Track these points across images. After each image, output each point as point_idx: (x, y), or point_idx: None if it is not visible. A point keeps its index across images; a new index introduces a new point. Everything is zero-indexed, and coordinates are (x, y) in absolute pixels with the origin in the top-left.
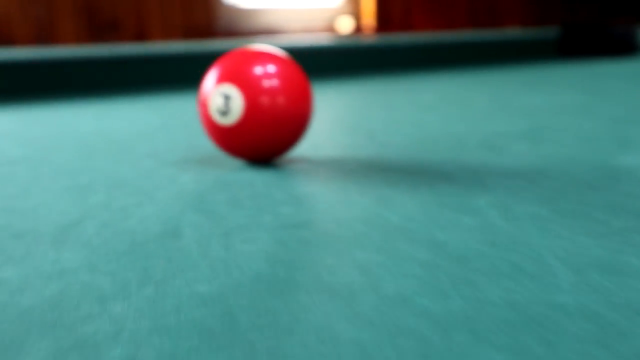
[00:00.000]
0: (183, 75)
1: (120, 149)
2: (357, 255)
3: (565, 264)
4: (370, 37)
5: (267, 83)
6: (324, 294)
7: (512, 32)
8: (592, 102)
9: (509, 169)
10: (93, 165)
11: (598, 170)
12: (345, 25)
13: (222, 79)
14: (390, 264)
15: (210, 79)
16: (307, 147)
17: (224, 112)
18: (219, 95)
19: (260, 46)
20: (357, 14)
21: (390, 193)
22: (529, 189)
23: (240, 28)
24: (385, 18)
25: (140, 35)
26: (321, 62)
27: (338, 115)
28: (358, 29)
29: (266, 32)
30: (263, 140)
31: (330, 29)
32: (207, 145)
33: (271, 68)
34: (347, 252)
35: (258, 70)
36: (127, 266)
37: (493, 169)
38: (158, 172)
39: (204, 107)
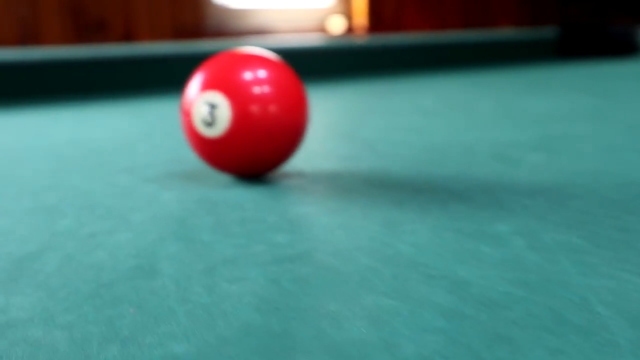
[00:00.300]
0: (170, 77)
1: (96, 161)
2: (365, 299)
3: (618, 312)
4: (362, 37)
5: (257, 90)
6: (327, 356)
7: (509, 32)
8: (603, 106)
9: (527, 185)
10: (63, 182)
11: (628, 187)
12: (337, 25)
13: (207, 85)
14: (406, 312)
15: (194, 85)
16: (300, 159)
17: (210, 123)
18: (204, 103)
19: (250, 49)
20: (348, 14)
21: (397, 216)
22: (554, 211)
23: (230, 28)
24: (377, 18)
25: (128, 36)
26: (313, 64)
27: (332, 122)
28: (350, 29)
29: (256, 33)
30: (253, 154)
31: (322, 29)
32: (193, 158)
33: (262, 73)
34: (353, 294)
35: (247, 75)
36: (89, 316)
37: (509, 185)
38: (136, 190)
39: (187, 116)
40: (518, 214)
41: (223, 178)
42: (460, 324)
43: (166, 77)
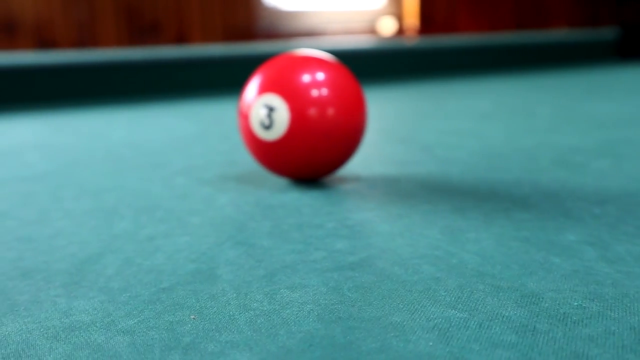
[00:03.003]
0: (223, 79)
1: (153, 163)
2: (430, 310)
3: None
4: (413, 39)
5: (315, 92)
6: None
7: (565, 33)
8: None
9: (594, 192)
10: (121, 183)
11: None
12: (388, 26)
13: (265, 88)
14: (474, 324)
15: (252, 88)
16: (356, 163)
17: (267, 126)
18: (262, 106)
19: (307, 51)
20: (399, 15)
21: (459, 223)
22: (625, 220)
23: (281, 30)
24: (428, 19)
25: (181, 38)
26: (364, 65)
27: (387, 125)
28: (400, 31)
29: (307, 34)
30: (310, 157)
31: (372, 30)
32: (248, 160)
33: (320, 75)
34: (418, 305)
35: (306, 78)
36: (150, 321)
37: (575, 192)
38: (193, 192)
39: (244, 119)
40: (587, 223)
41: (279, 181)
42: (533, 339)
43: (219, 79)
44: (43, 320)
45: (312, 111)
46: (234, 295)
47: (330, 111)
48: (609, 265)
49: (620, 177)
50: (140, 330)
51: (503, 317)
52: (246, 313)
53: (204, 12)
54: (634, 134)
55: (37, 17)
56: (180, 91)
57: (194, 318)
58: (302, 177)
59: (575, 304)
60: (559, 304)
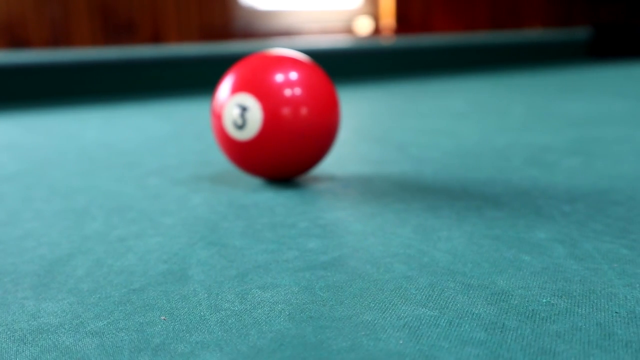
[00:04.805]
0: (198, 78)
1: (126, 163)
2: (401, 309)
3: None
4: (389, 39)
5: (288, 92)
6: None
7: (538, 33)
8: (639, 109)
9: (564, 190)
10: (93, 184)
11: None
12: (364, 26)
13: (238, 87)
14: (444, 323)
15: (224, 87)
16: (330, 162)
17: (240, 126)
18: (235, 106)
19: (281, 50)
20: (375, 15)
21: (432, 222)
22: (594, 218)
23: (257, 29)
24: (405, 19)
25: (156, 37)
26: (340, 65)
27: (362, 124)
28: (377, 30)
29: (283, 34)
30: (284, 157)
31: (349, 30)
32: (222, 160)
33: (293, 75)
34: (389, 304)
35: (279, 77)
36: (119, 323)
37: (546, 190)
38: (166, 192)
39: (217, 119)
40: (557, 221)
41: (253, 181)
42: (502, 336)
43: (194, 79)
44: (10, 323)
45: (285, 111)
46: (205, 295)
47: (304, 111)
48: (577, 263)
49: (590, 175)
50: (109, 331)
51: (473, 314)
52: (217, 313)
53: (179, 11)
54: (605, 132)
55: (9, 15)
56: (155, 91)
57: (164, 319)
58: (275, 176)
59: (544, 300)
60: (527, 301)
